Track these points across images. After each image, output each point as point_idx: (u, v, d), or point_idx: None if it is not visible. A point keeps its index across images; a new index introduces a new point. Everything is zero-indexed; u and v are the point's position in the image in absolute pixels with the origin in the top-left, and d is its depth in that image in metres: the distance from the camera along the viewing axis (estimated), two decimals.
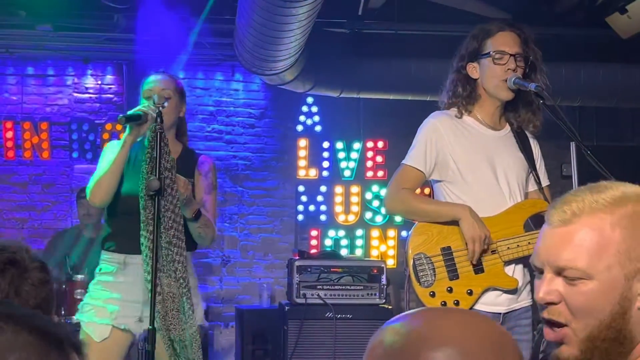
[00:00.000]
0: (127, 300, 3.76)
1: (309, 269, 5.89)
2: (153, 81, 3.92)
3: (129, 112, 3.66)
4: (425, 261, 3.38)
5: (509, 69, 3.44)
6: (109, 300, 3.79)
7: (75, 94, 7.75)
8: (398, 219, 7.73)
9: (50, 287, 1.85)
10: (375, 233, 7.93)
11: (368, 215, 7.95)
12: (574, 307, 1.50)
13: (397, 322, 1.22)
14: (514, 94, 3.49)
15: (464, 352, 1.13)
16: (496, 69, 3.45)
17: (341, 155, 7.95)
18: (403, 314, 1.25)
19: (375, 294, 5.85)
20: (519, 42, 3.48)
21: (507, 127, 3.59)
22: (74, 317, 5.46)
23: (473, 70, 3.51)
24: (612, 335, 1.48)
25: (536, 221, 3.50)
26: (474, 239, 3.29)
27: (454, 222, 3.35)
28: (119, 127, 7.61)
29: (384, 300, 5.84)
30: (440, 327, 1.17)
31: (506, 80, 3.43)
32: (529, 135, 3.62)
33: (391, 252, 7.86)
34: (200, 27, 6.68)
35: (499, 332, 1.18)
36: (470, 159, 3.45)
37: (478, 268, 3.37)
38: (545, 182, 3.61)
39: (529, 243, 3.37)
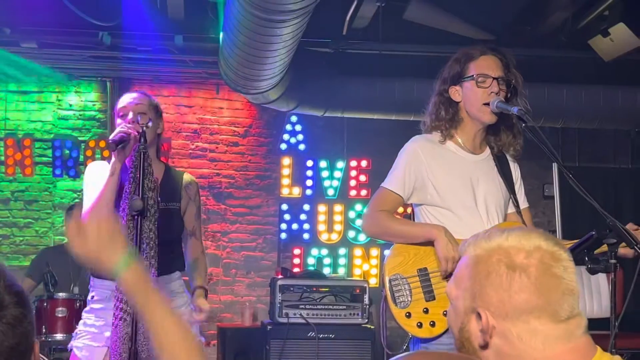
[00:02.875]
0: None
1: (292, 288, 5.88)
2: (126, 98, 3.90)
3: (114, 137, 3.63)
4: (401, 282, 3.38)
5: (492, 92, 3.45)
6: (103, 327, 3.77)
7: (59, 111, 7.73)
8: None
9: (29, 322, 1.65)
10: (358, 252, 7.94)
11: (351, 234, 7.96)
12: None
13: None
14: (497, 118, 3.50)
15: None
16: (479, 92, 3.45)
17: (325, 174, 7.97)
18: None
19: (357, 314, 5.86)
20: (501, 65, 3.49)
21: (487, 151, 3.60)
22: (56, 336, 5.49)
23: (455, 93, 3.52)
24: (459, 346, 1.70)
25: None
26: (447, 258, 3.30)
27: (431, 244, 3.37)
28: (102, 144, 7.60)
29: (366, 320, 5.84)
30: None
31: (489, 104, 3.45)
32: (509, 158, 3.64)
33: (374, 271, 7.87)
34: (184, 45, 6.69)
35: None
36: (449, 183, 3.47)
37: None
38: (524, 204, 3.63)
39: None
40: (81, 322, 3.91)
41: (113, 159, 3.67)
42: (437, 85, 3.57)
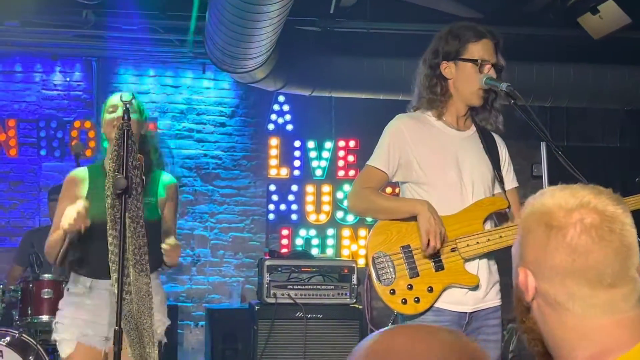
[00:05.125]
0: (94, 322, 3.79)
1: (280, 269, 5.86)
2: (117, 95, 3.89)
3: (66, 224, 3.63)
4: (384, 259, 3.38)
5: None
6: (76, 320, 3.81)
7: (44, 91, 7.66)
8: (369, 218, 7.72)
9: None
10: (346, 232, 7.91)
11: (339, 214, 7.93)
12: None
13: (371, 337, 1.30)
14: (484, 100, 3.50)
15: None
16: (477, 77, 3.44)
17: (313, 154, 7.93)
18: (380, 330, 1.32)
19: (346, 294, 5.83)
20: (495, 50, 3.50)
21: (473, 128, 3.59)
22: (42, 317, 5.44)
23: (447, 70, 3.49)
24: (517, 319, 1.64)
25: (497, 219, 3.51)
26: (428, 232, 3.29)
27: (413, 220, 3.35)
28: (87, 124, 7.54)
29: (354, 300, 5.82)
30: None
31: (483, 88, 3.45)
32: (495, 137, 3.62)
33: (362, 252, 7.85)
34: (170, 24, 6.63)
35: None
36: (434, 159, 3.45)
37: (438, 265, 3.38)
38: (512, 184, 3.61)
39: (489, 240, 3.38)
40: (58, 312, 3.94)
41: (65, 227, 3.63)
42: (427, 56, 3.54)
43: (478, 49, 3.45)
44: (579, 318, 1.49)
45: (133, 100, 3.68)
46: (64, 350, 3.81)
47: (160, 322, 3.84)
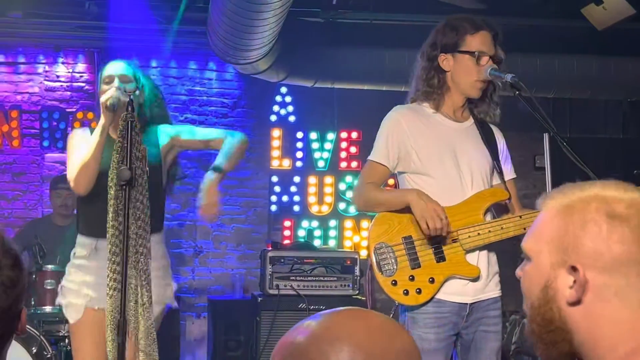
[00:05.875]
0: (100, 284, 3.74)
1: (282, 260, 5.86)
2: (112, 65, 3.89)
3: (108, 102, 3.63)
4: (386, 250, 3.40)
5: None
6: (82, 283, 3.83)
7: (46, 82, 7.65)
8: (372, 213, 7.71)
9: (23, 286, 1.66)
10: (348, 224, 7.91)
11: (342, 205, 7.93)
12: (521, 286, 1.61)
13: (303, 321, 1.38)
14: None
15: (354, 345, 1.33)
16: (475, 69, 3.45)
17: (315, 145, 7.92)
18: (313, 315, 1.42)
19: (348, 285, 5.84)
20: (493, 42, 3.50)
21: (471, 120, 3.60)
22: (45, 308, 5.45)
23: (445, 62, 3.50)
24: (539, 320, 1.55)
25: (496, 210, 3.52)
26: (424, 217, 3.30)
27: (411, 210, 3.36)
28: (90, 115, 7.53)
29: (357, 291, 5.83)
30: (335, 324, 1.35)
31: (481, 80, 3.46)
32: (493, 128, 3.63)
33: (365, 243, 7.84)
34: (172, 15, 6.61)
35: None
36: (433, 151, 3.46)
37: (439, 257, 3.40)
38: (510, 175, 3.62)
39: (490, 231, 3.40)
40: (64, 277, 3.97)
41: (102, 120, 3.67)
42: (425, 48, 3.55)
43: (476, 41, 3.46)
44: (634, 311, 1.47)
45: (127, 73, 3.73)
46: (71, 315, 3.84)
47: (167, 286, 3.89)
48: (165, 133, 3.99)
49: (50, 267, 5.52)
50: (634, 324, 1.47)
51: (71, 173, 3.81)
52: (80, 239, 3.91)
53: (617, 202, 1.51)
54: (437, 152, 3.46)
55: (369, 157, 3.55)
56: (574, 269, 1.50)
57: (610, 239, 1.48)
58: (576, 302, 1.50)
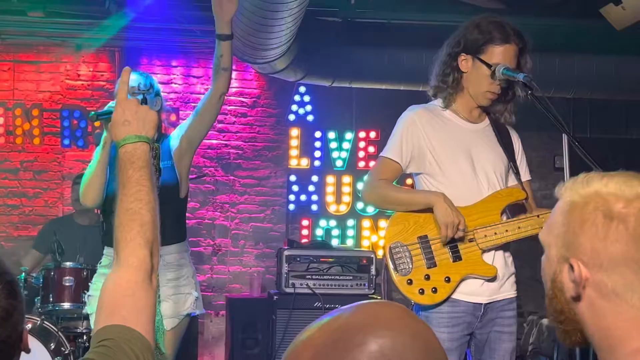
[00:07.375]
0: None
1: (298, 259, 5.87)
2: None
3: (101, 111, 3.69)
4: (402, 249, 3.39)
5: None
6: None
7: (68, 81, 7.71)
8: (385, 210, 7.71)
9: (20, 313, 1.54)
10: (366, 223, 7.91)
11: (359, 205, 7.93)
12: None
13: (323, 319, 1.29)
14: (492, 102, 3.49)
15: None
16: (488, 81, 3.41)
17: (333, 145, 7.93)
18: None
19: (364, 284, 5.84)
20: (517, 54, 3.43)
21: (487, 121, 3.57)
22: (63, 305, 5.50)
23: (464, 62, 3.46)
24: (552, 310, 1.59)
25: (513, 211, 3.51)
26: (447, 224, 3.29)
27: (430, 211, 3.36)
28: (97, 124, 7.59)
29: (373, 291, 5.83)
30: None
31: (491, 92, 3.43)
32: (509, 129, 3.61)
33: (382, 243, 7.84)
34: (192, 14, 6.64)
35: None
36: (448, 151, 3.45)
37: (456, 256, 3.38)
38: (526, 176, 3.59)
39: (507, 231, 3.39)
40: (91, 286, 4.10)
41: (106, 134, 3.73)
42: (450, 42, 3.51)
43: (497, 55, 3.39)
44: (636, 309, 1.47)
45: (133, 84, 3.76)
46: None
47: (188, 295, 3.99)
48: (174, 138, 4.04)
49: (69, 264, 5.56)
50: (639, 321, 1.47)
51: (80, 187, 3.95)
52: (106, 249, 4.01)
53: (615, 200, 1.50)
54: (452, 153, 3.45)
55: (382, 154, 3.53)
56: (572, 266, 1.52)
57: (607, 239, 1.49)
58: (578, 298, 1.52)
